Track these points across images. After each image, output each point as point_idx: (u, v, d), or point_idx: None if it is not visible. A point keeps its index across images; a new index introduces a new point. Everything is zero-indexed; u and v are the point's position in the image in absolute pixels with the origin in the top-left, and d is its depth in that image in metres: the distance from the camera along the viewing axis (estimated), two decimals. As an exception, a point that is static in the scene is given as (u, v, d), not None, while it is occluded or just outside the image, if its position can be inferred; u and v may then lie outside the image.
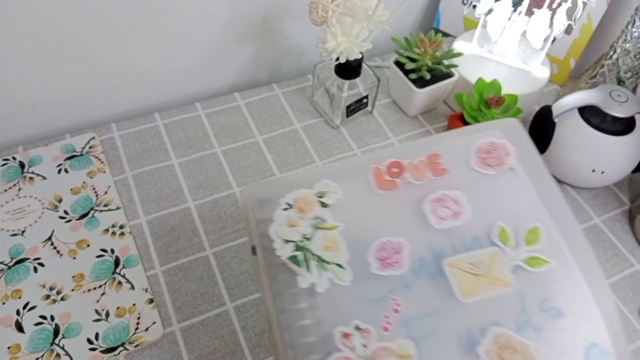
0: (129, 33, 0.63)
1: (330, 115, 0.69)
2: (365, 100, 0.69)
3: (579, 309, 0.37)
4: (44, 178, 0.59)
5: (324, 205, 0.41)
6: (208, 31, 0.69)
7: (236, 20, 0.69)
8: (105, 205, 0.58)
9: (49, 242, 0.54)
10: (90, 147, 0.63)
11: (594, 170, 0.61)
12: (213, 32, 0.69)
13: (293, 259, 0.38)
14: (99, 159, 0.62)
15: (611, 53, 0.69)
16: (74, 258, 0.53)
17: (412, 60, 0.68)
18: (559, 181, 0.67)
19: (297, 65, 0.81)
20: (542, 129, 0.63)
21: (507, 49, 0.72)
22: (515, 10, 0.69)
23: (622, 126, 0.60)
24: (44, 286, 0.51)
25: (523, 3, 0.68)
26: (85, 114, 0.70)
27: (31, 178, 0.59)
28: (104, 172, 0.61)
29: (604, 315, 0.36)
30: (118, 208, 0.58)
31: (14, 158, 0.60)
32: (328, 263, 0.38)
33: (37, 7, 0.55)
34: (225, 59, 0.74)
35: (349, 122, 0.71)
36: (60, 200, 0.57)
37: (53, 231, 0.55)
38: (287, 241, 0.39)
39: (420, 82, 0.67)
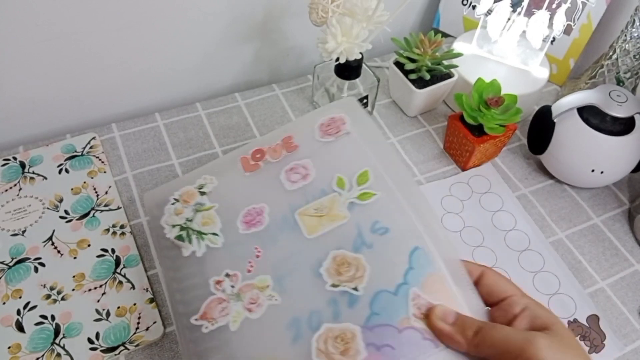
0: (129, 33, 0.63)
1: (330, 116, 0.69)
2: (365, 101, 0.69)
3: (402, 224, 0.44)
4: (45, 178, 0.59)
5: (202, 193, 0.51)
6: (208, 31, 0.69)
7: (236, 21, 0.69)
8: (105, 205, 0.58)
9: (50, 242, 0.54)
10: (90, 147, 0.63)
11: (593, 170, 0.61)
12: (213, 33, 0.69)
13: (178, 237, 0.48)
14: (100, 159, 0.62)
15: (611, 53, 0.69)
16: (75, 258, 0.53)
17: (412, 60, 0.68)
18: (559, 181, 0.67)
19: (297, 66, 0.81)
20: (541, 129, 0.63)
21: (506, 50, 0.72)
22: (514, 10, 0.69)
23: (622, 126, 0.60)
24: (44, 286, 0.51)
25: (522, 3, 0.68)
26: (86, 114, 0.70)
27: (32, 178, 0.59)
28: (105, 172, 0.61)
29: (425, 225, 0.44)
30: (119, 208, 0.58)
31: (14, 158, 0.60)
32: (205, 234, 0.48)
33: (37, 7, 0.55)
34: (225, 59, 0.74)
35: (348, 122, 0.71)
36: (60, 200, 0.57)
37: (54, 231, 0.55)
38: (174, 226, 0.49)
39: (420, 83, 0.68)
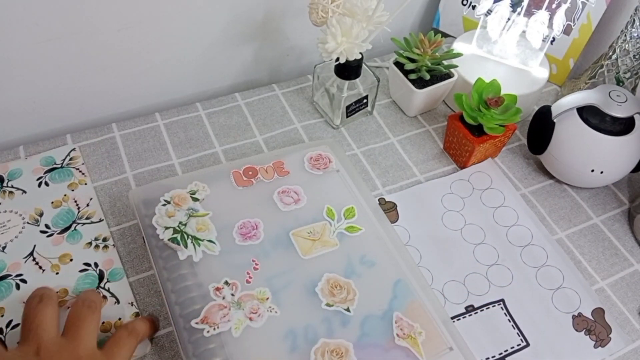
0: (129, 33, 0.63)
1: (330, 116, 0.70)
2: (365, 101, 0.69)
3: (386, 259, 0.53)
4: (24, 192, 0.57)
5: (195, 199, 0.55)
6: (208, 31, 0.69)
7: (236, 21, 0.69)
8: (87, 218, 0.56)
9: (31, 258, 0.52)
10: (70, 159, 0.61)
11: (593, 170, 0.61)
12: (213, 32, 0.69)
13: (173, 239, 0.51)
14: (80, 171, 0.60)
15: (610, 53, 0.69)
16: (57, 273, 0.51)
17: (412, 60, 0.68)
18: (558, 181, 0.67)
19: (297, 66, 0.81)
20: (541, 129, 0.63)
21: (506, 50, 0.72)
22: (514, 10, 0.69)
23: (622, 126, 0.60)
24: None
25: (522, 3, 0.68)
26: (86, 114, 0.70)
27: (11, 192, 0.57)
28: (85, 183, 0.59)
29: (403, 259, 0.53)
30: (100, 220, 0.56)
31: None
32: (201, 240, 0.51)
33: (37, 7, 0.55)
34: (225, 59, 0.74)
35: (348, 122, 0.71)
36: (41, 214, 0.55)
37: (35, 246, 0.53)
38: (167, 227, 0.51)
39: (420, 83, 0.68)
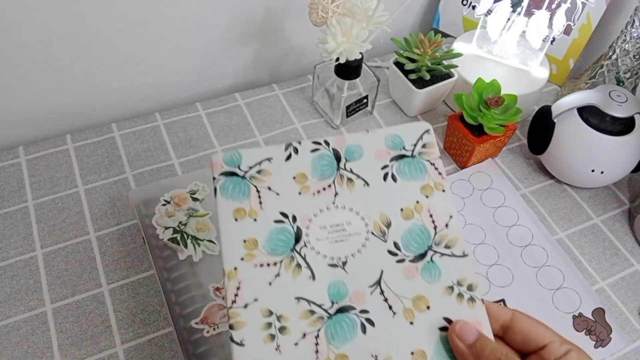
0: (129, 33, 0.63)
1: (330, 116, 0.70)
2: (365, 101, 0.69)
3: None
4: (366, 183, 0.39)
5: (195, 199, 0.54)
6: (208, 31, 0.69)
7: (236, 21, 0.69)
8: (447, 247, 0.37)
9: (378, 289, 0.36)
10: (423, 146, 0.40)
11: (593, 170, 0.61)
12: (213, 33, 0.69)
13: (173, 239, 0.51)
14: (435, 167, 0.39)
15: (610, 53, 0.69)
16: (411, 323, 0.35)
17: (412, 60, 0.68)
18: (559, 181, 0.67)
19: (297, 66, 0.81)
20: (541, 129, 0.63)
21: (506, 50, 0.72)
22: (514, 10, 0.69)
23: (622, 126, 0.60)
24: (375, 358, 0.34)
25: (522, 3, 0.68)
26: (86, 114, 0.70)
27: (349, 180, 0.39)
28: (443, 190, 0.38)
29: None
30: (464, 255, 0.37)
31: (326, 143, 0.40)
32: (201, 240, 0.51)
33: (37, 7, 0.55)
34: (225, 59, 0.74)
35: (349, 122, 0.71)
36: (388, 225, 0.38)
37: (382, 272, 0.37)
38: (167, 227, 0.51)
39: (420, 83, 0.68)
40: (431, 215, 0.38)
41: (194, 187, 0.56)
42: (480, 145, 0.63)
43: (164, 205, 0.54)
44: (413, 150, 0.40)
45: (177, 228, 0.52)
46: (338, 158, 0.40)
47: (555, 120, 0.62)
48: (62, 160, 0.63)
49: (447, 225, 0.38)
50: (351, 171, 0.39)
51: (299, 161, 0.39)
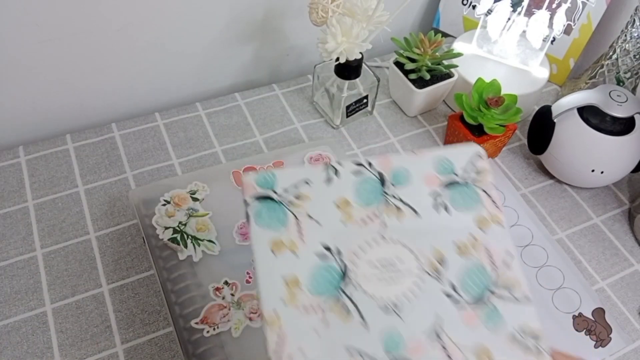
0: (129, 33, 0.63)
1: (330, 116, 0.70)
2: (365, 101, 0.69)
3: None
4: (415, 212, 0.34)
5: (195, 199, 0.54)
6: (208, 31, 0.69)
7: (236, 21, 0.69)
8: (506, 287, 0.33)
9: (437, 339, 0.31)
10: (477, 172, 0.36)
11: (593, 170, 0.61)
12: (213, 32, 0.69)
13: (173, 239, 0.50)
14: (490, 197, 0.35)
15: (610, 53, 0.69)
16: None
17: (412, 60, 0.68)
18: (559, 181, 0.67)
19: (297, 66, 0.81)
20: (541, 129, 0.63)
21: (506, 49, 0.72)
22: (514, 10, 0.69)
23: (622, 126, 0.60)
24: None
25: (522, 3, 0.68)
26: (85, 114, 0.70)
27: (398, 208, 0.34)
28: (499, 222, 0.34)
29: None
30: (528, 299, 0.33)
31: (369, 164, 0.36)
32: (201, 240, 0.51)
33: (37, 7, 0.55)
34: (225, 59, 0.74)
35: (349, 122, 0.71)
36: (441, 261, 0.33)
37: (439, 317, 0.32)
38: (167, 227, 0.51)
39: (420, 83, 0.68)
40: (489, 252, 0.33)
41: (193, 187, 0.56)
42: (480, 145, 0.62)
43: (163, 205, 0.54)
44: (465, 177, 0.35)
45: (177, 228, 0.52)
46: (383, 182, 0.35)
47: (555, 120, 0.62)
48: (62, 160, 0.63)
49: (507, 265, 0.33)
50: (399, 198, 0.34)
51: (341, 185, 0.34)
